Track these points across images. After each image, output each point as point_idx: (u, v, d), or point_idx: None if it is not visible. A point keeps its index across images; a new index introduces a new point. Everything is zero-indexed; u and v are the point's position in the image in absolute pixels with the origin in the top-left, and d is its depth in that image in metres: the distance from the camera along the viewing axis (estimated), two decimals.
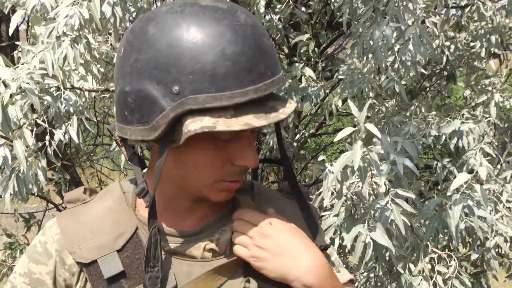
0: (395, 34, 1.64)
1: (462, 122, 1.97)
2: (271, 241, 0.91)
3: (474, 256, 1.79)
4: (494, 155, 1.92)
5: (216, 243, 0.95)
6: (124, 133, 0.91)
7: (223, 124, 0.80)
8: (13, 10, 2.54)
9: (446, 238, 1.92)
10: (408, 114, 2.11)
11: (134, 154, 0.99)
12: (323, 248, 0.99)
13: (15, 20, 1.62)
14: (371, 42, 1.75)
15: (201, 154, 0.88)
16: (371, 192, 1.43)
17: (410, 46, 1.68)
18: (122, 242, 0.92)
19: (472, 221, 1.49)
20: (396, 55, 1.94)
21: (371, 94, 2.11)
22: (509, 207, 1.73)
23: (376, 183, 1.41)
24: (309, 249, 0.92)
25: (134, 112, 0.87)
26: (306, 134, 3.30)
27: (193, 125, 0.81)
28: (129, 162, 0.98)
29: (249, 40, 0.84)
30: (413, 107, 2.19)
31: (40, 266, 0.95)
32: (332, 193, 1.44)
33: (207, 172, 0.89)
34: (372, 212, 1.35)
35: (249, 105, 0.83)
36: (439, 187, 2.44)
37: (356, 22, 2.03)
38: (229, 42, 0.82)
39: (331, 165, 1.29)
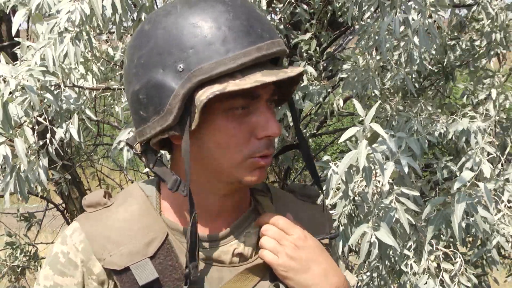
0: (402, 28, 1.63)
1: (471, 121, 1.96)
2: (304, 255, 0.91)
3: (475, 257, 1.78)
4: (495, 155, 1.92)
5: (243, 246, 0.95)
6: (144, 134, 0.91)
7: (233, 85, 0.82)
8: (13, 10, 2.53)
9: (448, 237, 1.91)
10: (415, 111, 2.10)
11: (157, 159, 0.96)
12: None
13: (18, 19, 1.61)
14: (377, 37, 1.74)
15: (221, 133, 0.87)
16: (375, 191, 1.42)
17: (416, 40, 1.67)
18: (154, 248, 0.90)
19: (473, 221, 1.48)
20: (402, 49, 1.94)
21: (376, 92, 2.10)
22: (511, 207, 1.73)
23: (379, 181, 1.40)
24: (336, 270, 0.93)
25: (148, 106, 0.88)
26: (307, 134, 3.30)
27: (204, 95, 0.82)
28: (152, 169, 0.95)
29: (240, 8, 0.87)
30: (419, 105, 2.18)
31: (67, 278, 0.92)
32: (334, 193, 1.44)
33: (232, 150, 0.87)
34: (376, 211, 1.35)
35: (255, 68, 0.84)
36: (439, 187, 2.44)
37: (361, 20, 2.02)
38: (220, 12, 0.85)
39: (335, 165, 1.28)
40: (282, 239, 0.92)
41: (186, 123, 0.85)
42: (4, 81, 1.32)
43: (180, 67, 0.84)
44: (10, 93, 1.31)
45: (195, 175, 0.92)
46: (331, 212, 1.51)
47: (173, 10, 0.88)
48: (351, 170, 1.31)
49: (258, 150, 0.88)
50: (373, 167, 1.30)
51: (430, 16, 1.71)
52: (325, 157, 1.35)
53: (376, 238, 1.28)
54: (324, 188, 1.43)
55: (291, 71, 0.86)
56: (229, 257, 0.93)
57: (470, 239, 2.01)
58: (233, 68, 0.82)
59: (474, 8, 2.26)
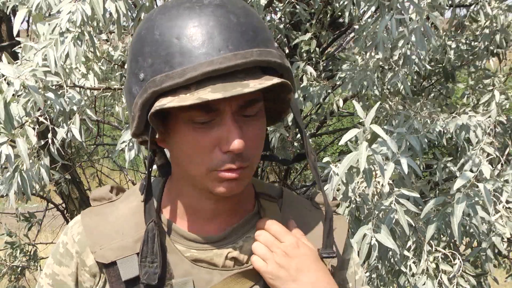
0: (400, 29, 1.63)
1: (470, 116, 1.96)
2: (293, 263, 0.88)
3: (471, 255, 1.78)
4: (494, 155, 1.92)
5: (239, 251, 0.93)
6: None
7: (177, 101, 0.79)
8: (13, 10, 2.53)
9: (447, 237, 1.91)
10: (415, 110, 2.10)
11: (152, 157, 0.98)
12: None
13: (19, 18, 1.61)
14: (372, 39, 1.75)
15: (185, 142, 0.85)
16: (375, 192, 1.42)
17: (413, 40, 1.67)
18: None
19: (471, 223, 1.48)
20: (399, 50, 1.93)
21: (376, 92, 2.10)
22: (509, 207, 1.73)
23: (379, 182, 1.40)
24: (327, 282, 0.89)
25: (129, 110, 0.89)
26: (307, 134, 3.28)
27: (153, 108, 0.82)
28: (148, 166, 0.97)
29: (206, 16, 0.82)
30: (418, 104, 2.18)
31: (63, 267, 0.95)
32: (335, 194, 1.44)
33: (196, 161, 0.85)
34: (376, 212, 1.35)
35: (213, 80, 0.80)
36: (439, 187, 2.44)
37: (360, 20, 2.02)
38: (183, 22, 0.82)
39: (336, 166, 1.29)
40: (273, 246, 0.89)
41: (148, 132, 0.86)
42: (6, 81, 1.33)
43: (141, 76, 0.84)
44: (13, 94, 1.31)
45: (184, 179, 0.92)
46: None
47: (150, 16, 0.87)
48: (351, 172, 1.31)
49: (222, 164, 0.84)
50: (373, 168, 1.30)
51: (428, 17, 1.72)
52: (326, 159, 1.35)
53: (376, 240, 1.28)
54: (326, 189, 1.43)
55: (253, 86, 0.79)
56: (222, 261, 0.92)
57: (468, 239, 2.01)
58: (181, 82, 0.79)
59: (472, 8, 2.26)
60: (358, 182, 1.44)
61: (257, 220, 0.95)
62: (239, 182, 0.86)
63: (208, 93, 0.78)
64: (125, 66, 2.29)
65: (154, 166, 1.01)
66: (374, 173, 1.35)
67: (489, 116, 2.11)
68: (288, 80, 0.87)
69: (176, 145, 0.87)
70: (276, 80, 0.82)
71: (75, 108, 1.59)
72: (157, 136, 0.87)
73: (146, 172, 0.93)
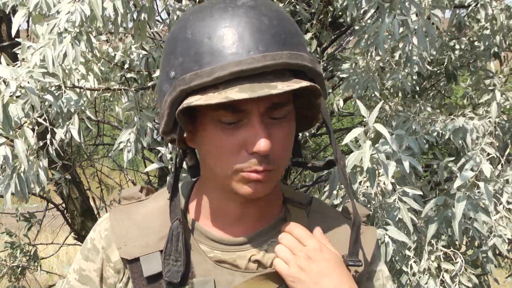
0: (401, 30, 1.63)
1: (468, 118, 1.96)
2: (315, 267, 0.86)
3: (472, 257, 1.78)
4: (495, 156, 1.92)
5: (263, 254, 0.93)
6: None
7: (204, 99, 0.80)
8: (13, 10, 2.52)
9: (448, 237, 1.91)
10: (413, 111, 2.10)
11: (180, 156, 1.00)
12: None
13: (17, 19, 1.61)
14: (373, 39, 1.74)
15: (211, 142, 0.86)
16: (377, 191, 1.42)
17: (415, 41, 1.67)
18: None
19: (472, 224, 1.48)
20: (401, 51, 1.93)
21: (376, 94, 2.10)
22: (509, 208, 1.73)
23: (380, 181, 1.40)
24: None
25: (159, 108, 0.91)
26: (307, 134, 3.29)
27: (180, 106, 0.82)
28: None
29: (238, 17, 0.83)
30: (418, 105, 2.18)
31: (89, 263, 0.97)
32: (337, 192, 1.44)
33: (222, 161, 0.85)
34: (379, 211, 1.35)
35: (241, 80, 0.80)
36: (440, 187, 2.44)
37: (360, 21, 2.02)
38: (215, 22, 0.83)
39: None
40: (296, 249, 0.88)
41: (177, 130, 0.86)
42: (5, 83, 1.32)
43: (171, 74, 0.85)
44: (11, 95, 1.31)
45: (211, 179, 0.93)
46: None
47: (185, 15, 0.88)
48: (355, 171, 1.32)
49: (248, 165, 0.84)
50: (376, 167, 1.30)
51: (429, 18, 1.72)
52: (329, 159, 1.35)
53: (389, 237, 1.28)
54: (326, 189, 1.43)
55: (280, 88, 0.79)
56: (245, 263, 0.92)
57: (468, 239, 2.01)
58: (208, 81, 0.80)
59: (472, 6, 2.24)
60: (361, 181, 1.44)
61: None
62: (264, 184, 0.86)
63: (235, 93, 0.79)
64: (125, 67, 2.29)
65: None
66: (377, 172, 1.35)
67: (489, 118, 2.11)
68: (319, 85, 0.86)
69: (204, 144, 0.88)
70: (304, 83, 0.82)
71: (72, 109, 1.59)
72: (185, 135, 0.88)
73: (173, 171, 0.95)
